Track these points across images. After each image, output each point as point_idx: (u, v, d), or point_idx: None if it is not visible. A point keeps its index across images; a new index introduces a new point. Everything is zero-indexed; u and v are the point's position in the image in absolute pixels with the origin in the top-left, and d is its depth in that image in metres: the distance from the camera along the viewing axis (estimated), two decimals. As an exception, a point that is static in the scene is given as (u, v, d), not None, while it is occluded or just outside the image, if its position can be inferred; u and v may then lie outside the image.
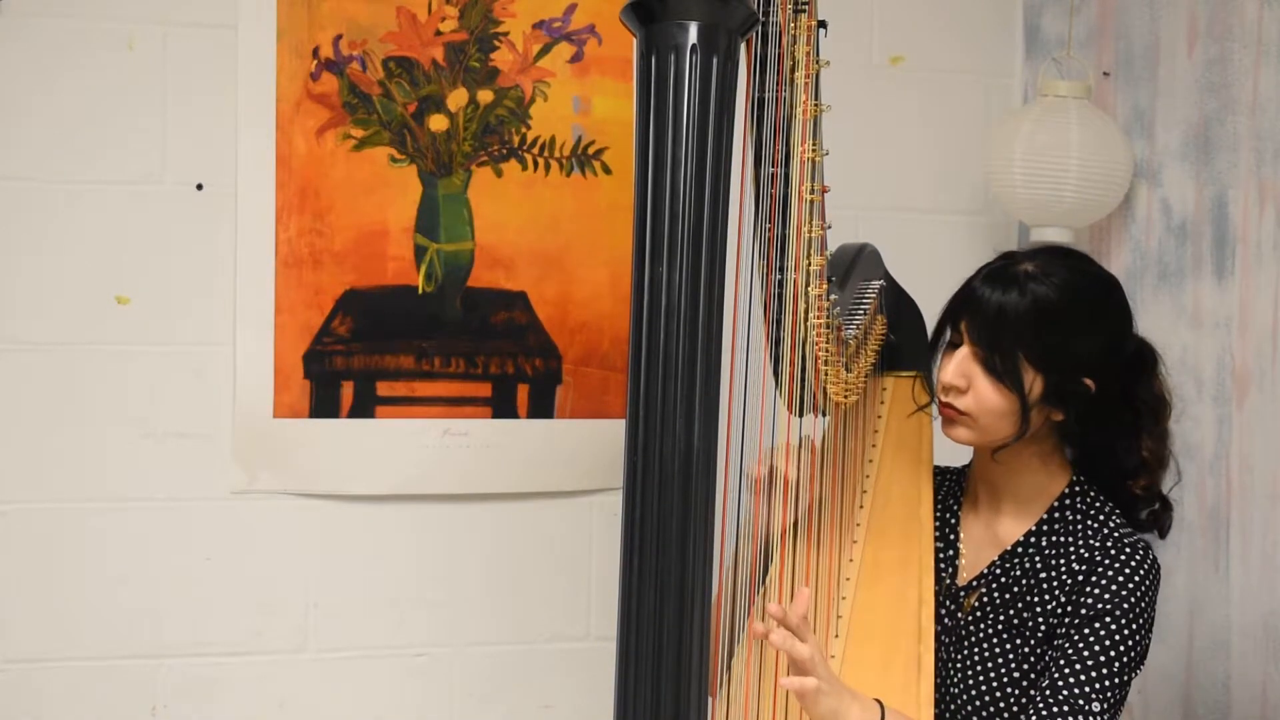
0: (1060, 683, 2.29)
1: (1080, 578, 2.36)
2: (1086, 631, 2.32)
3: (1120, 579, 2.34)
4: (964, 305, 2.40)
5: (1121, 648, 2.30)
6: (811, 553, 2.46)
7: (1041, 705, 2.28)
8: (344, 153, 3.03)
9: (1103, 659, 2.29)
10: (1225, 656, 2.98)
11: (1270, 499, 2.92)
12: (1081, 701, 2.27)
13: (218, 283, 2.99)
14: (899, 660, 2.35)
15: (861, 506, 2.56)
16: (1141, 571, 2.35)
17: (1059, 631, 2.36)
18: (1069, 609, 2.35)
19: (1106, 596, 2.33)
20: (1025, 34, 3.40)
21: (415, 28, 3.04)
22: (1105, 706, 2.27)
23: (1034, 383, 2.36)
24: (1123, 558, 2.36)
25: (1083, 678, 2.28)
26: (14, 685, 2.94)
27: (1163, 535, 2.47)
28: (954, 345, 2.43)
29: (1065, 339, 2.36)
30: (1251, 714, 2.94)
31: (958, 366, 2.39)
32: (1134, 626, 2.32)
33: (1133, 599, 2.33)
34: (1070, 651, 2.31)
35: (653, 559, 1.79)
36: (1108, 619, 2.31)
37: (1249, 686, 2.94)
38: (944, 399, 2.42)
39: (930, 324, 2.63)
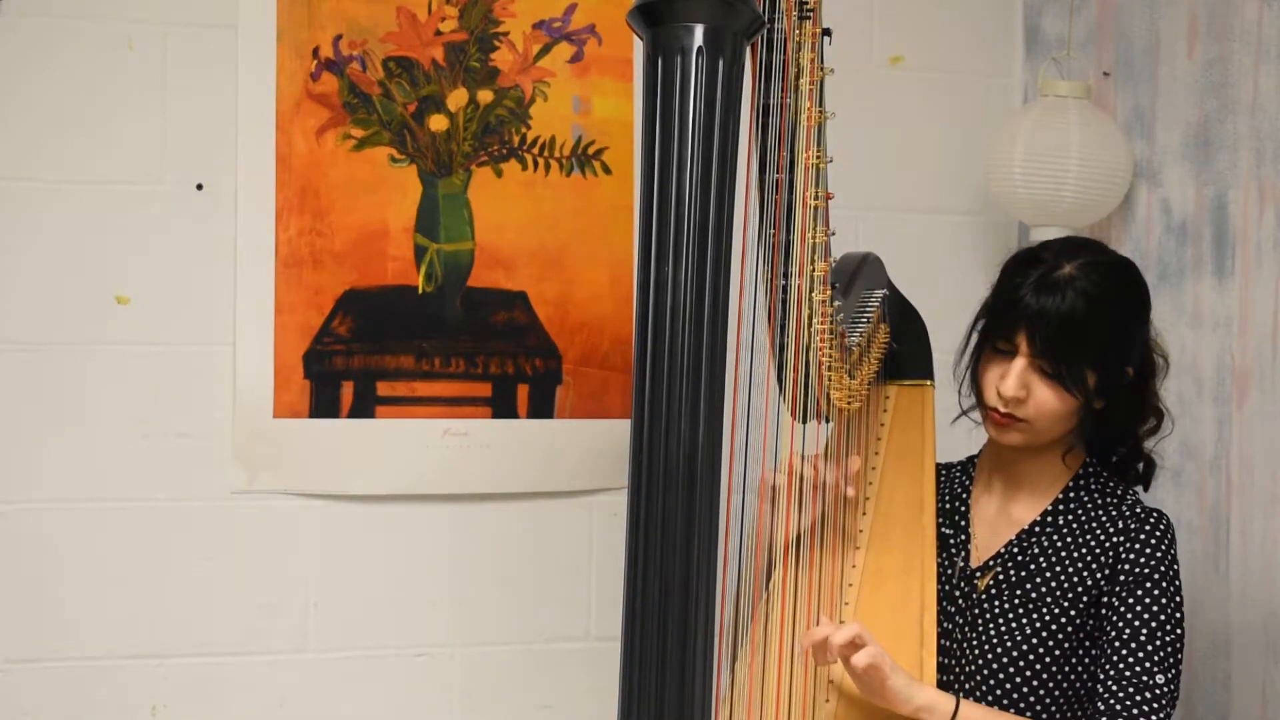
0: (1121, 665, 2.35)
1: (1119, 546, 2.43)
2: (1132, 601, 2.39)
3: (1153, 542, 2.43)
4: (1019, 318, 2.42)
5: (1169, 611, 2.38)
6: (814, 559, 2.46)
7: (1106, 693, 2.35)
8: (344, 153, 3.02)
9: (1154, 626, 2.37)
10: (1225, 656, 2.98)
11: (1270, 499, 2.92)
12: (1146, 678, 2.34)
13: (218, 283, 2.99)
14: (901, 665, 2.35)
15: (864, 513, 2.56)
16: (1170, 536, 2.45)
17: (1103, 601, 2.41)
18: (1109, 575, 2.42)
19: (1143, 560, 2.41)
20: (1025, 34, 3.40)
21: (415, 28, 3.04)
22: (1168, 676, 2.35)
23: (1091, 383, 2.43)
24: (1150, 521, 2.45)
25: (1140, 654, 2.35)
26: (14, 685, 2.94)
27: (1146, 488, 2.58)
28: (1001, 353, 2.46)
29: (1115, 335, 2.43)
30: (1251, 714, 2.94)
31: (1019, 378, 2.43)
32: (1174, 585, 2.41)
33: (1166, 560, 2.42)
34: (1123, 627, 2.38)
35: (657, 558, 1.80)
36: (1149, 584, 2.40)
37: (1249, 686, 2.94)
38: (1003, 409, 2.45)
39: (934, 334, 2.65)
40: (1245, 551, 2.96)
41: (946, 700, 2.32)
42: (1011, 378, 2.42)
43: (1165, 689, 2.33)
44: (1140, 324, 2.49)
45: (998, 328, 2.46)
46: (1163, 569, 2.40)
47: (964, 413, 2.64)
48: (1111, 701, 2.33)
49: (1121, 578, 2.40)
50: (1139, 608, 2.37)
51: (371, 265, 3.05)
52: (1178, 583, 2.42)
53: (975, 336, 2.53)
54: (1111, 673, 2.35)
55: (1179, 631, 2.39)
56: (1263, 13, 2.95)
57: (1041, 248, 2.50)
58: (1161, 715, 2.32)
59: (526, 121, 3.11)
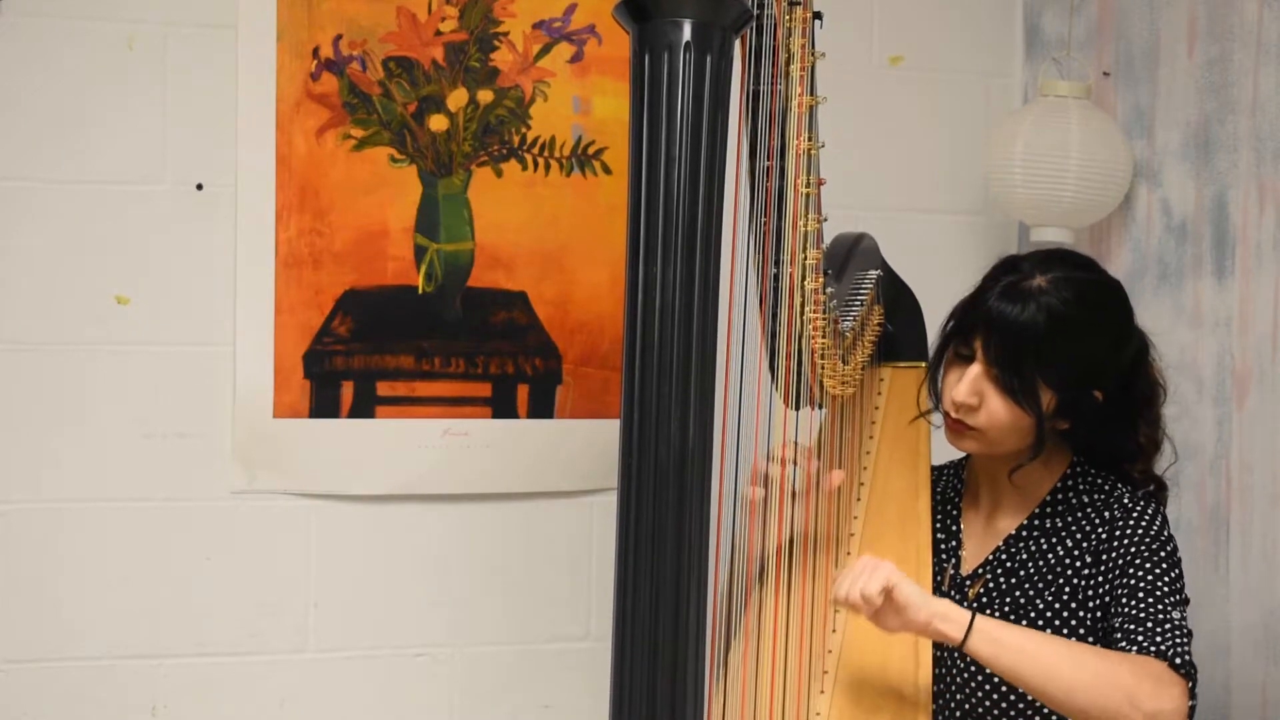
0: (1132, 609, 2.32)
1: (1105, 537, 2.41)
2: (1132, 570, 2.36)
3: (1144, 523, 2.40)
4: (979, 322, 2.38)
5: (1172, 574, 2.35)
6: (808, 545, 2.46)
7: (1126, 633, 2.30)
8: (344, 153, 3.03)
9: (1158, 581, 2.34)
10: (1225, 656, 2.98)
11: (1270, 499, 2.91)
12: (1161, 615, 2.30)
13: (218, 283, 3.00)
14: (896, 653, 2.35)
15: (859, 499, 2.56)
16: (1160, 517, 2.42)
17: (1101, 590, 2.39)
18: (1104, 565, 2.39)
19: (1137, 537, 2.39)
20: (1025, 34, 3.40)
21: (415, 28, 3.05)
22: (1182, 614, 2.32)
23: (1049, 401, 2.37)
24: (1137, 510, 2.42)
25: (1150, 599, 2.32)
26: (14, 685, 2.95)
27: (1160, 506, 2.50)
28: (962, 358, 2.42)
29: (1080, 357, 2.37)
30: (1251, 714, 2.94)
31: (971, 385, 2.38)
32: (1174, 558, 2.38)
33: (1162, 536, 2.39)
34: (1125, 588, 2.35)
35: (648, 560, 1.79)
36: (1146, 551, 2.37)
37: (1249, 686, 2.94)
38: (955, 415, 2.41)
39: (929, 317, 2.63)
40: (1245, 551, 2.95)
41: (961, 612, 2.25)
42: (964, 384, 2.38)
43: (1182, 623, 2.29)
44: (1115, 349, 2.42)
45: (960, 331, 2.42)
46: (1157, 543, 2.37)
47: (922, 414, 2.59)
48: (1134, 636, 2.28)
49: (1115, 556, 2.37)
50: (1139, 572, 2.34)
51: (371, 265, 3.05)
52: (1177, 555, 2.38)
53: (942, 339, 2.48)
54: (1128, 613, 2.31)
55: (1182, 584, 2.35)
56: (1263, 13, 2.95)
57: (1026, 256, 2.46)
58: (1184, 646, 2.27)
59: (526, 121, 3.11)
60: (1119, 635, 2.31)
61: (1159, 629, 2.28)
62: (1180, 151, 3.10)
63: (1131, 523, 2.40)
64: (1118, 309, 2.44)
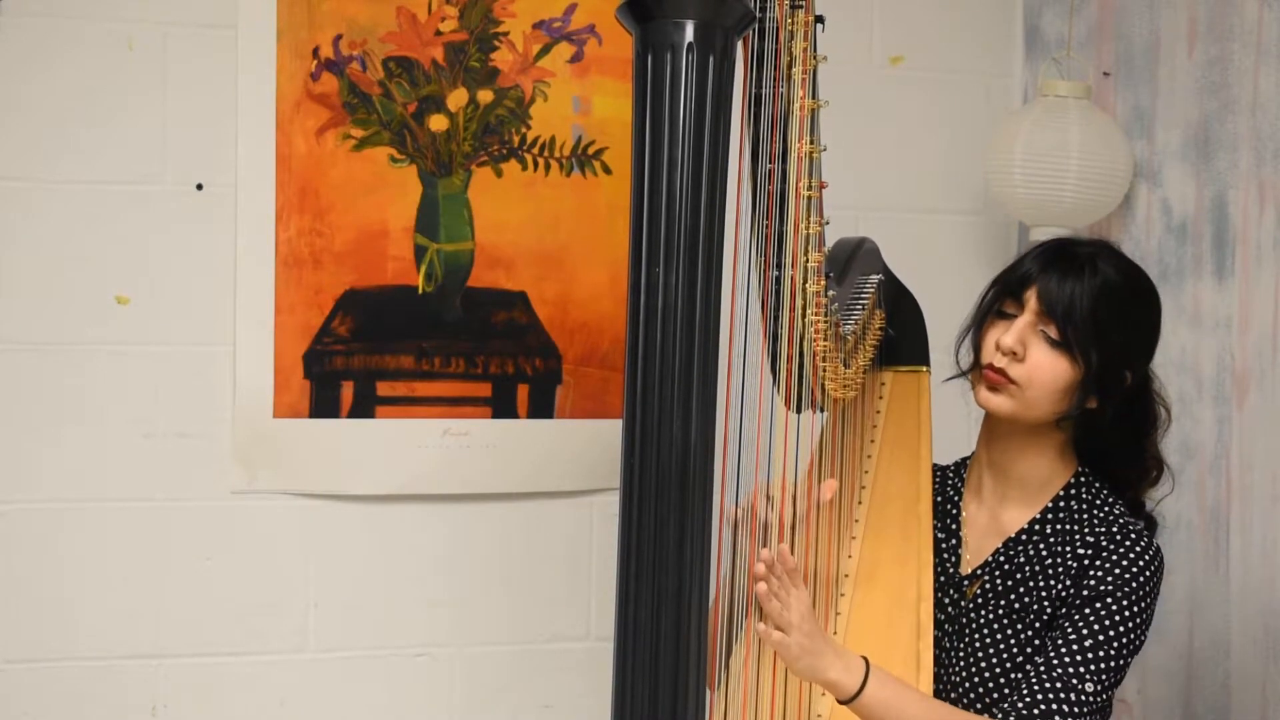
0: (1055, 660, 2.30)
1: (1085, 561, 2.38)
2: (1087, 611, 2.33)
3: (1124, 562, 2.36)
4: (1032, 277, 2.40)
5: (1121, 629, 2.32)
6: (810, 550, 2.46)
7: (1034, 681, 2.29)
8: (344, 153, 3.03)
9: (1100, 638, 2.31)
10: (1225, 656, 2.98)
11: (1270, 499, 2.91)
12: (1075, 681, 2.28)
13: (218, 283, 2.99)
14: (898, 657, 2.35)
15: (860, 503, 2.56)
16: (1145, 558, 2.37)
17: (1060, 613, 2.37)
18: (1072, 591, 2.37)
19: (1109, 579, 2.35)
20: (1025, 34, 3.40)
21: (415, 28, 3.04)
22: (1099, 687, 2.29)
23: (1093, 362, 2.38)
24: (1127, 543, 2.38)
25: (1078, 656, 2.30)
26: (14, 685, 2.95)
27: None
28: (1007, 316, 2.42)
29: (1126, 325, 2.39)
30: (1251, 714, 2.94)
31: (1019, 334, 2.38)
32: (1135, 609, 2.33)
33: (1135, 582, 2.35)
34: (1069, 631, 2.33)
35: (650, 561, 1.79)
36: (1109, 599, 2.33)
37: (1249, 686, 2.94)
38: (997, 364, 2.40)
39: (933, 334, 2.63)
40: (1245, 551, 2.96)
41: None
42: (1013, 332, 2.37)
43: (1092, 698, 2.27)
44: (1147, 336, 2.44)
45: (1009, 291, 2.43)
46: (1128, 589, 2.33)
47: (962, 373, 2.54)
48: (1035, 694, 2.27)
49: (1084, 593, 2.35)
50: (1092, 618, 2.32)
51: (371, 265, 3.05)
52: (1143, 605, 2.34)
53: (983, 304, 2.47)
54: (1042, 668, 2.30)
55: (1126, 650, 2.32)
56: (1263, 13, 2.95)
57: (1074, 239, 2.50)
58: None
59: (526, 121, 3.11)
60: (1022, 690, 2.30)
61: (1062, 698, 2.26)
62: (1180, 151, 3.11)
63: (1115, 557, 2.37)
64: (1154, 295, 2.47)
